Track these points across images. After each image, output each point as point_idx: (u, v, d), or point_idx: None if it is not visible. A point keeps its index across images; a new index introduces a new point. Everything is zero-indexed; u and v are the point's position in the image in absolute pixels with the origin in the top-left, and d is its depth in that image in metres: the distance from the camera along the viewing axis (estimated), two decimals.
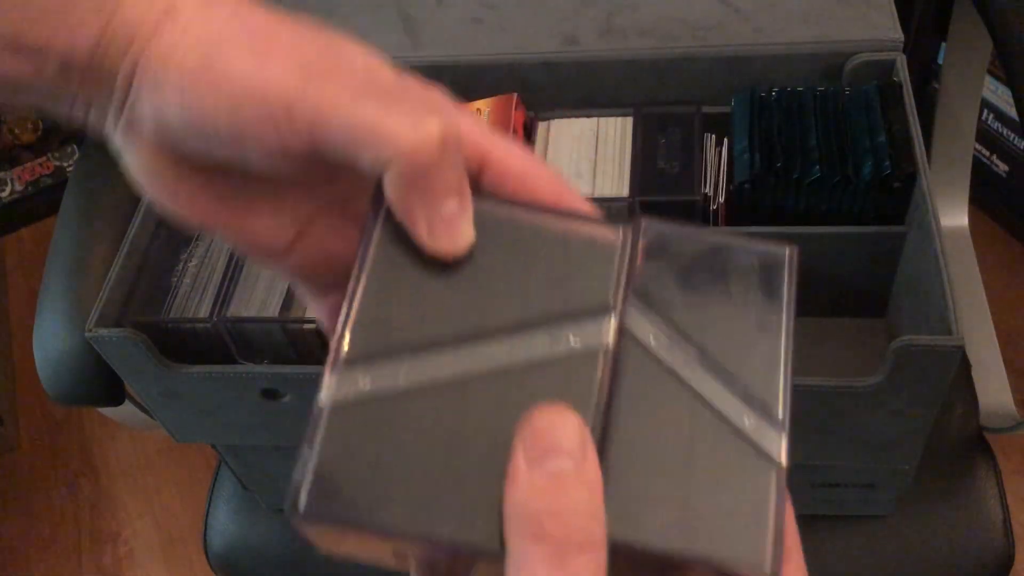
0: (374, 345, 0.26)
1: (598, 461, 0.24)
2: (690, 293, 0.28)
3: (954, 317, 0.56)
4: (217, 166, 0.29)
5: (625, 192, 0.68)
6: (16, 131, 1.74)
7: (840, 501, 0.74)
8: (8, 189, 1.77)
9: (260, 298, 0.66)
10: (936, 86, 0.91)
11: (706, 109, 0.72)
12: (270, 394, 0.66)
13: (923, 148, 0.64)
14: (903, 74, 0.69)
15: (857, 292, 0.73)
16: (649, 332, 0.27)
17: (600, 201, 0.69)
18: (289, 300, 0.66)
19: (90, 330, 0.62)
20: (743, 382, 0.27)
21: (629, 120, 0.73)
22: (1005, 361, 0.84)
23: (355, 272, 0.27)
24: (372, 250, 0.27)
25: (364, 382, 0.26)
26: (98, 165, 0.79)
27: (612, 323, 0.27)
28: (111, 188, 0.76)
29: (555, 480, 0.24)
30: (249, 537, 0.85)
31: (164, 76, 0.27)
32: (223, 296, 0.66)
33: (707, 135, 0.72)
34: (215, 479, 0.88)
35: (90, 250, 0.74)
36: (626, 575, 0.25)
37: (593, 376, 0.26)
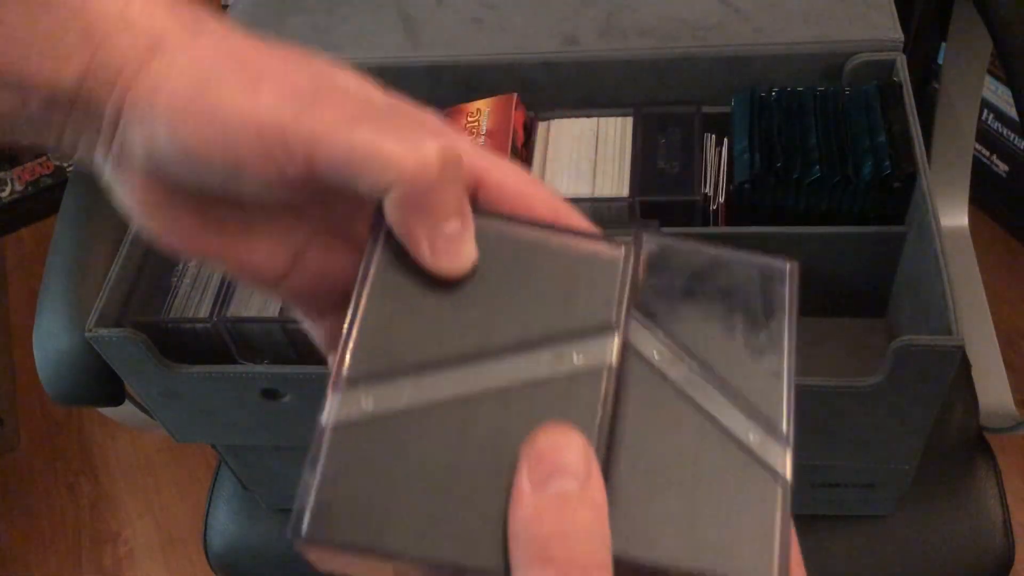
0: (376, 365, 0.26)
1: (603, 481, 0.24)
2: (693, 307, 0.28)
3: (954, 317, 0.56)
4: (210, 195, 0.28)
5: (625, 192, 0.68)
6: None
7: (840, 501, 0.74)
8: (8, 189, 1.77)
9: (260, 298, 0.66)
10: (936, 86, 0.91)
11: (706, 109, 0.72)
12: (270, 394, 0.66)
13: (923, 148, 0.64)
14: (903, 74, 0.69)
15: (857, 292, 0.73)
16: (653, 347, 0.27)
17: (600, 201, 0.69)
18: None
19: (90, 330, 0.62)
20: (747, 397, 0.27)
21: (629, 120, 0.73)
22: (1005, 361, 0.84)
23: (355, 293, 0.27)
24: (372, 271, 0.27)
25: (366, 402, 0.26)
26: None
27: (615, 341, 0.27)
28: None
29: (560, 502, 0.23)
30: (249, 537, 0.85)
31: (153, 110, 0.27)
32: (223, 296, 0.66)
33: (707, 135, 0.72)
34: (215, 479, 0.88)
35: (90, 250, 0.74)
36: None
37: (597, 394, 0.26)
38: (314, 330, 0.33)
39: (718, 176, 0.69)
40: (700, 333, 0.27)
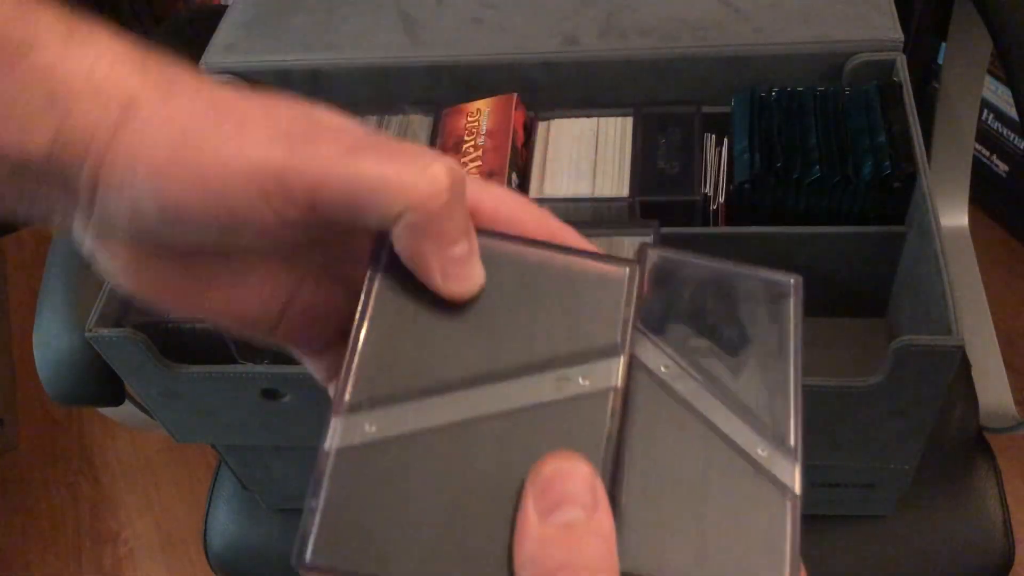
0: (379, 390, 0.26)
1: (610, 509, 0.24)
2: (698, 321, 0.28)
3: (954, 317, 0.56)
4: (201, 252, 0.28)
5: (625, 192, 0.68)
6: None
7: (840, 501, 0.74)
8: None
9: None
10: (936, 86, 0.91)
11: (706, 109, 0.72)
12: (270, 394, 0.66)
13: (923, 148, 0.64)
14: (903, 74, 0.69)
15: (857, 292, 0.73)
16: (659, 361, 0.27)
17: (600, 201, 0.69)
18: None
19: (90, 330, 0.62)
20: (754, 410, 0.27)
21: (629, 120, 0.73)
22: (1005, 361, 0.84)
23: (357, 320, 0.27)
24: (373, 298, 0.27)
25: (370, 427, 0.25)
26: None
27: (621, 362, 0.27)
28: None
29: (567, 531, 0.23)
30: (249, 537, 0.85)
31: (134, 174, 0.26)
32: None
33: (707, 135, 0.72)
34: (215, 479, 0.88)
35: None
36: None
37: (603, 418, 0.26)
38: (313, 367, 0.33)
39: (718, 176, 0.69)
40: (706, 347, 0.27)
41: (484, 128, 0.71)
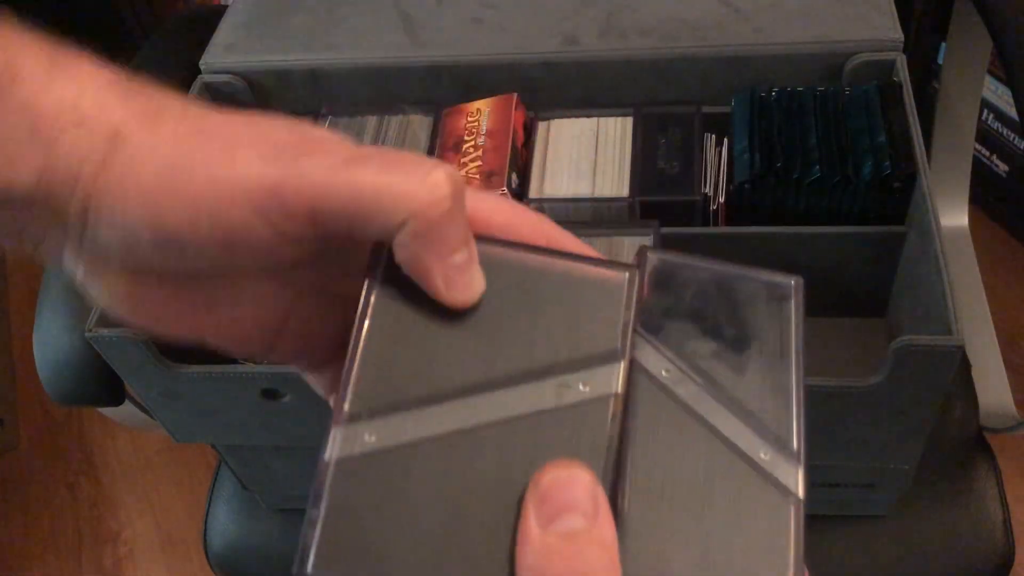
0: (378, 399, 0.26)
1: (612, 517, 0.24)
2: (699, 324, 0.28)
3: (954, 317, 0.56)
4: (197, 276, 0.27)
5: (625, 192, 0.68)
6: None
7: (840, 501, 0.74)
8: None
9: None
10: (936, 86, 0.91)
11: (706, 109, 0.72)
12: (270, 394, 0.66)
13: (923, 148, 0.64)
14: (903, 74, 0.69)
15: (857, 292, 0.73)
16: (660, 365, 0.27)
17: (600, 201, 0.69)
18: None
19: (90, 330, 0.62)
20: (756, 414, 0.27)
21: (629, 120, 0.73)
22: (1005, 361, 0.84)
23: (355, 330, 0.27)
24: (371, 310, 0.27)
25: (369, 437, 0.25)
26: None
27: (621, 368, 0.27)
28: None
29: (568, 540, 0.23)
30: (249, 537, 0.85)
31: (125, 204, 0.25)
32: None
33: (707, 135, 0.72)
34: (215, 479, 0.88)
35: None
36: None
37: (604, 424, 0.26)
38: (315, 381, 0.33)
39: (718, 176, 0.69)
40: (707, 350, 0.27)
41: (484, 128, 0.71)
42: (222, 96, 0.79)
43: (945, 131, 0.91)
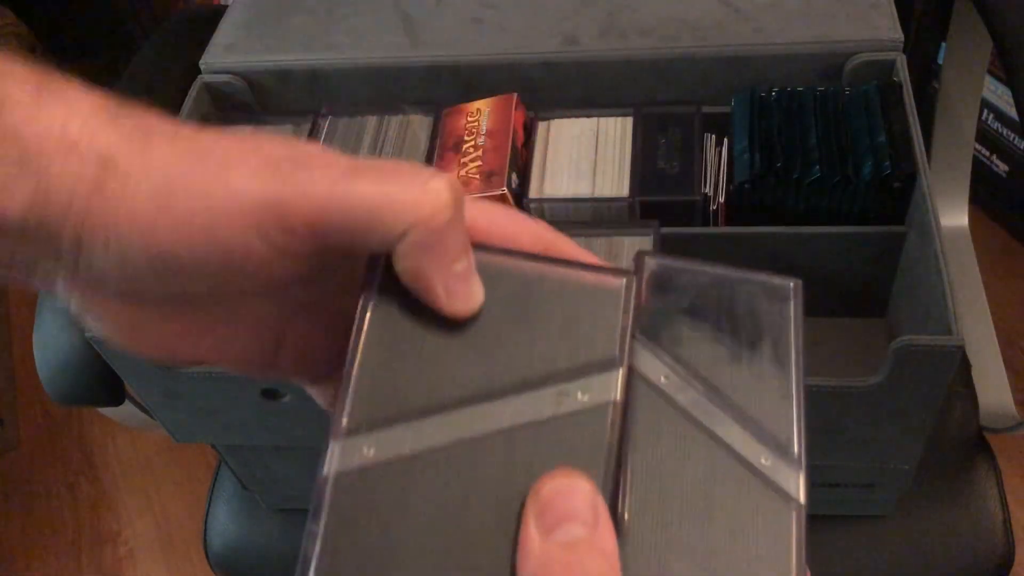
0: (376, 412, 0.26)
1: (612, 525, 0.24)
2: (698, 329, 0.28)
3: (954, 317, 0.56)
4: (194, 299, 0.27)
5: (625, 192, 0.68)
6: None
7: (840, 501, 0.74)
8: None
9: None
10: (936, 86, 0.91)
11: (706, 109, 0.72)
12: (270, 394, 0.66)
13: (923, 148, 0.64)
14: (903, 74, 0.69)
15: (857, 292, 0.73)
16: (660, 372, 0.27)
17: (600, 201, 0.69)
18: None
19: (90, 330, 0.62)
20: (757, 419, 0.26)
21: (629, 120, 0.73)
22: (1005, 361, 0.84)
23: (352, 343, 0.27)
24: (368, 322, 0.27)
25: (368, 450, 0.25)
26: None
27: (620, 375, 0.27)
28: None
29: (569, 550, 0.23)
30: (249, 537, 0.85)
31: (119, 228, 0.25)
32: None
33: (707, 135, 0.72)
34: (215, 479, 0.88)
35: None
36: None
37: (603, 433, 0.26)
38: (315, 394, 0.33)
39: (718, 176, 0.69)
40: (707, 355, 0.27)
41: (484, 128, 0.71)
42: (222, 96, 0.79)
43: (945, 131, 0.91)
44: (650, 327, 0.27)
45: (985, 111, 1.42)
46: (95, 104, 0.26)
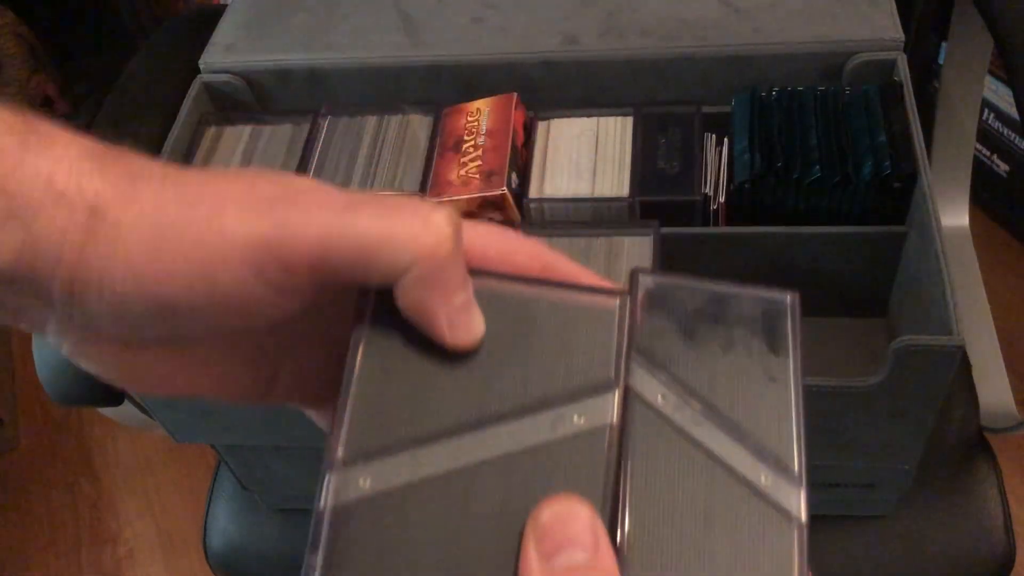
0: (372, 442, 0.26)
1: (612, 549, 0.24)
2: (694, 346, 0.27)
3: (954, 317, 0.56)
4: (190, 338, 0.27)
5: (625, 192, 0.68)
6: None
7: (840, 501, 0.74)
8: None
9: None
10: (937, 86, 0.91)
11: (706, 109, 0.72)
12: None
13: (923, 148, 0.64)
14: (903, 74, 0.69)
15: (857, 292, 0.73)
16: (657, 391, 0.27)
17: (600, 201, 0.69)
18: None
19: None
20: (756, 437, 0.26)
21: (629, 120, 0.73)
22: (1006, 361, 0.84)
23: (345, 376, 0.27)
24: (361, 353, 0.27)
25: (364, 482, 0.25)
26: None
27: (616, 397, 0.26)
28: None
29: (569, 575, 0.23)
30: (249, 537, 0.85)
31: (113, 277, 0.25)
32: None
33: (707, 135, 0.71)
34: (215, 479, 0.88)
35: None
36: None
37: (600, 456, 0.26)
38: (314, 417, 0.33)
39: (718, 176, 0.69)
40: (704, 373, 0.27)
41: (484, 128, 0.71)
42: (222, 96, 0.79)
43: (946, 131, 0.91)
44: (646, 346, 0.27)
45: (986, 111, 1.42)
46: (81, 150, 0.25)
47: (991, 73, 1.31)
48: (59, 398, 0.71)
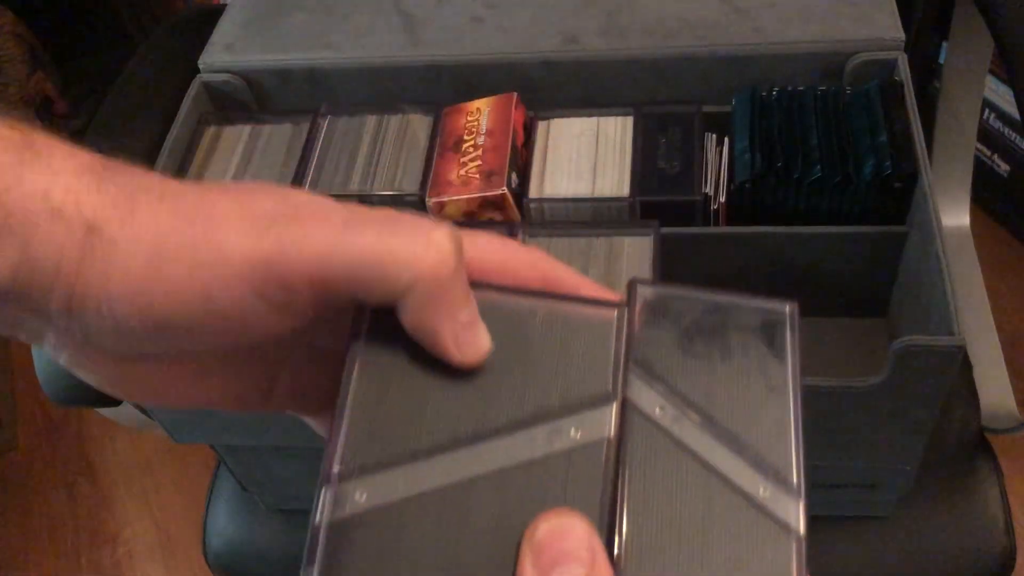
0: (368, 457, 0.25)
1: (609, 564, 0.24)
2: (692, 358, 0.27)
3: (955, 317, 0.55)
4: (189, 354, 0.27)
5: (625, 192, 0.68)
6: None
7: (841, 501, 0.74)
8: None
9: None
10: (937, 85, 0.91)
11: (706, 109, 0.72)
12: None
13: (924, 148, 0.64)
14: (904, 73, 0.69)
15: (857, 292, 0.73)
16: (654, 403, 0.26)
17: (600, 201, 0.69)
18: None
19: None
20: (754, 449, 0.26)
21: (629, 120, 0.72)
22: (1007, 362, 0.84)
23: (340, 392, 0.26)
24: (357, 369, 0.27)
25: (360, 496, 0.25)
26: None
27: (613, 410, 0.26)
28: None
29: None
30: (248, 537, 0.85)
31: (110, 295, 0.25)
32: None
33: (707, 135, 0.71)
34: (214, 479, 0.88)
35: None
36: None
37: (597, 470, 0.25)
38: (313, 424, 0.33)
39: (718, 176, 0.69)
40: (702, 384, 0.27)
41: (484, 127, 0.71)
42: (221, 95, 0.79)
43: (946, 131, 0.91)
44: (644, 357, 0.27)
45: (987, 110, 1.41)
46: (79, 165, 0.25)
47: (992, 73, 1.31)
48: (58, 399, 0.71)
